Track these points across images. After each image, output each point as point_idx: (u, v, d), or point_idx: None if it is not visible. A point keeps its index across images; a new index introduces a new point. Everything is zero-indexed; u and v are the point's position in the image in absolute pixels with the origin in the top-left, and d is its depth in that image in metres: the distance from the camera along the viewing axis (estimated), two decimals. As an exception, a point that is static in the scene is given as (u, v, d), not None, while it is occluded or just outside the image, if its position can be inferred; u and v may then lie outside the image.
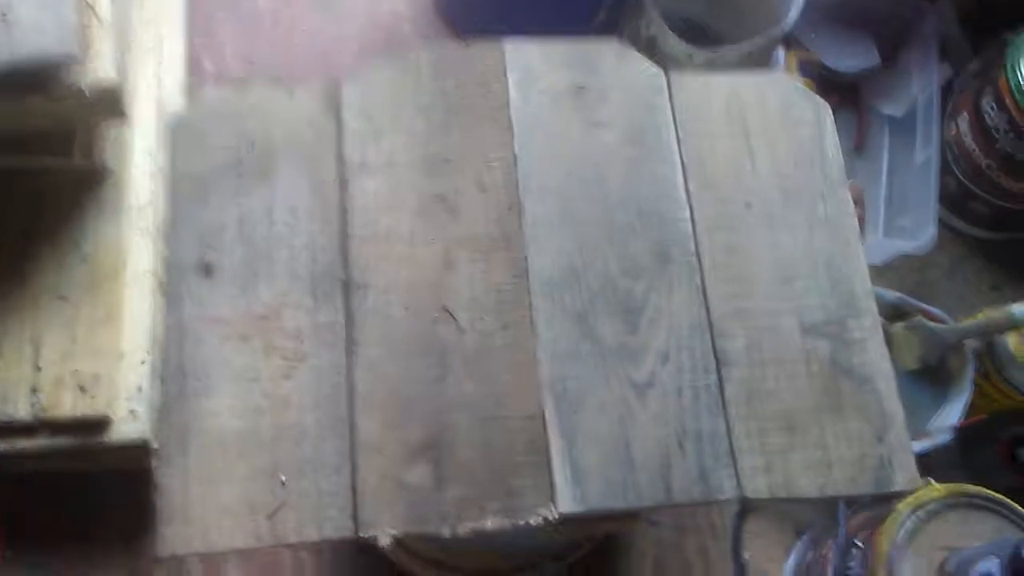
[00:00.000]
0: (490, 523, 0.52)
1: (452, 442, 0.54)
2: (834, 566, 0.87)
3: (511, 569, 0.85)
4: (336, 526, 0.51)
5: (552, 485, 0.53)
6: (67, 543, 0.93)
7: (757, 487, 0.55)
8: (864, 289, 0.60)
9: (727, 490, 0.55)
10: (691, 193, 0.61)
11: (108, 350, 0.85)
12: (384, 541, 0.51)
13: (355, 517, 0.51)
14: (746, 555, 0.99)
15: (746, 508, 1.01)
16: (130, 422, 0.84)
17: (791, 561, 0.98)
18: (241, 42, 1.08)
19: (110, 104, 0.81)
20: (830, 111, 0.64)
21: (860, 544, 0.86)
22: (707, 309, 0.58)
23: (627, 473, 0.54)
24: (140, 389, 0.85)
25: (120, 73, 0.79)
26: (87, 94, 0.76)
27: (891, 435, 0.57)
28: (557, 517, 0.53)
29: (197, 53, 1.04)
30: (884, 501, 0.90)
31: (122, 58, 0.80)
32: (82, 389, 0.83)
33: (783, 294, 0.59)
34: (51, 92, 0.75)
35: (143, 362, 0.86)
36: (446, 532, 0.52)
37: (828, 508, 0.94)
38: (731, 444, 0.56)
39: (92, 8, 0.78)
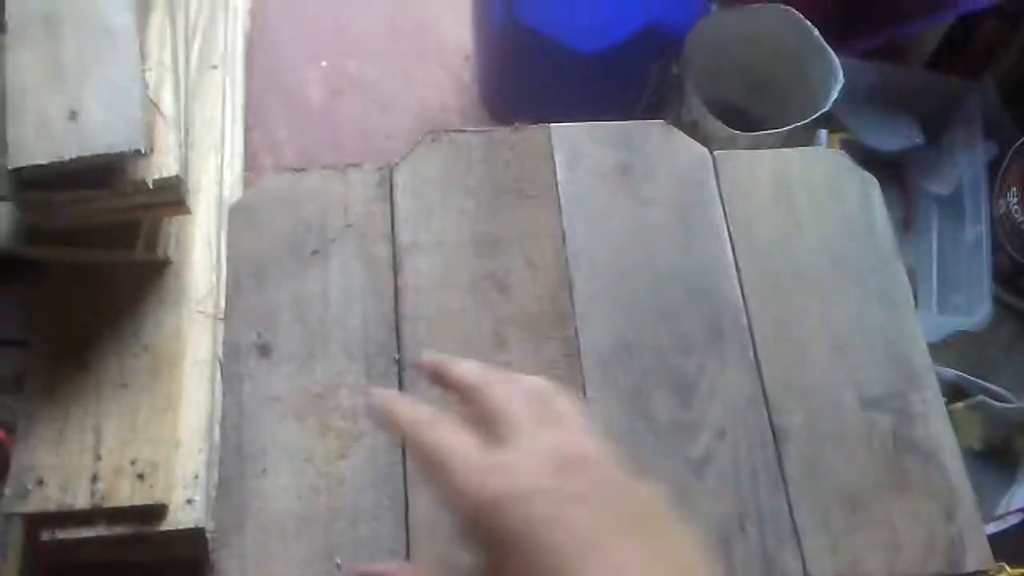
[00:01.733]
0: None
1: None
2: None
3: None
4: (391, 608, 0.50)
5: (610, 566, 0.52)
6: (120, 636, 0.92)
7: (823, 570, 0.53)
8: (923, 363, 0.59)
9: (792, 573, 0.53)
10: (740, 267, 0.61)
11: (166, 438, 0.86)
12: (438, 624, 0.51)
13: (410, 599, 0.51)
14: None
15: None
16: (187, 510, 0.84)
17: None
18: (296, 137, 1.12)
19: (173, 198, 0.84)
20: (877, 184, 0.64)
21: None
22: (762, 383, 0.58)
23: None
24: (197, 477, 0.86)
25: (183, 168, 0.82)
26: (151, 188, 0.80)
27: (961, 513, 0.55)
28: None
29: (255, 148, 1.09)
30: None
31: (185, 154, 0.84)
32: (140, 477, 0.84)
33: (839, 367, 0.58)
34: (117, 187, 0.79)
35: (200, 450, 0.87)
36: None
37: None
38: (794, 524, 0.54)
39: (157, 106, 0.82)
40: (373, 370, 0.56)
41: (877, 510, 0.55)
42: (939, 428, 0.57)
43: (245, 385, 0.55)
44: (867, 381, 0.58)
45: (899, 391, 0.58)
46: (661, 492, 0.39)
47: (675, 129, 0.64)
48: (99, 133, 0.76)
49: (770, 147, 0.96)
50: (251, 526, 0.52)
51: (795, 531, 0.54)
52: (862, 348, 0.59)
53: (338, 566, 0.51)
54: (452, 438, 0.38)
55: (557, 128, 0.64)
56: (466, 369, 0.43)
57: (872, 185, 0.64)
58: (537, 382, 0.42)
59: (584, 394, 0.56)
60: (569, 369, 0.57)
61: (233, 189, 1.00)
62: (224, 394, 0.54)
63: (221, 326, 0.93)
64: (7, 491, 0.83)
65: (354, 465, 0.54)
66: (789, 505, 0.54)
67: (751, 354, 0.58)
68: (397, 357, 0.56)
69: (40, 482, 0.84)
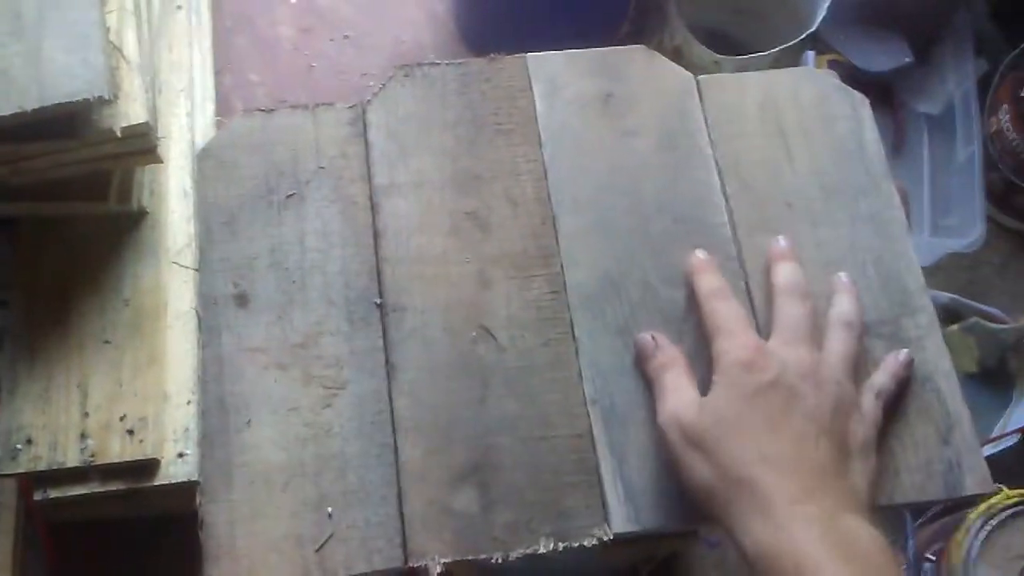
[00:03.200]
0: (542, 546, 0.50)
1: (498, 465, 0.52)
2: (906, 582, 0.84)
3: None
4: (385, 557, 0.50)
5: (604, 505, 0.52)
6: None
7: (820, 497, 0.53)
8: (917, 285, 0.58)
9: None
10: (729, 196, 0.59)
11: (154, 392, 0.85)
12: (435, 570, 0.50)
13: (404, 547, 0.50)
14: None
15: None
16: (178, 463, 0.84)
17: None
18: (268, 78, 1.09)
19: (143, 146, 0.81)
20: (867, 104, 0.62)
21: (931, 557, 0.83)
22: (754, 313, 0.56)
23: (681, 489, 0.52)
24: (187, 430, 0.85)
25: (151, 114, 0.79)
26: (119, 136, 0.77)
27: (957, 436, 0.54)
28: (611, 538, 0.51)
29: (226, 91, 1.06)
30: (953, 511, 0.86)
31: (152, 100, 0.81)
32: (130, 433, 0.83)
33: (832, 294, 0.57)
34: (84, 136, 0.76)
35: (188, 403, 0.86)
36: (498, 557, 0.50)
37: (895, 523, 0.91)
38: (788, 453, 0.53)
39: (120, 51, 0.79)
40: (355, 316, 0.55)
41: (873, 437, 0.54)
42: (934, 352, 0.56)
43: (224, 337, 0.54)
44: (860, 307, 0.57)
45: (893, 316, 0.57)
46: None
47: (657, 54, 0.62)
48: (61, 81, 0.73)
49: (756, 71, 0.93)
50: (238, 479, 0.51)
51: (790, 461, 0.53)
52: (854, 274, 0.57)
53: (329, 515, 0.50)
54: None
55: (534, 57, 0.61)
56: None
57: (862, 105, 0.62)
58: None
59: (572, 332, 0.55)
60: (555, 307, 0.56)
61: (206, 135, 0.96)
62: (203, 347, 0.53)
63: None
64: (-5, 452, 0.83)
65: (340, 414, 0.53)
66: (784, 435, 0.54)
67: (742, 284, 0.57)
68: (378, 302, 0.55)
69: (29, 441, 0.83)
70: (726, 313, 0.52)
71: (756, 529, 0.44)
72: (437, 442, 0.52)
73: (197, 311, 0.83)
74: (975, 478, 0.53)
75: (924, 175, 1.13)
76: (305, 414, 0.52)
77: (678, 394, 0.50)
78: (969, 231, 1.02)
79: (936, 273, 1.07)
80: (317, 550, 0.49)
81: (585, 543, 0.51)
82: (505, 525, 0.51)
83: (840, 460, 0.48)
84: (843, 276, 0.56)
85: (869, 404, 0.52)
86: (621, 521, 0.51)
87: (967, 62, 1.12)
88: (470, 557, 0.50)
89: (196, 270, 0.91)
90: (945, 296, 0.98)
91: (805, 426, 0.47)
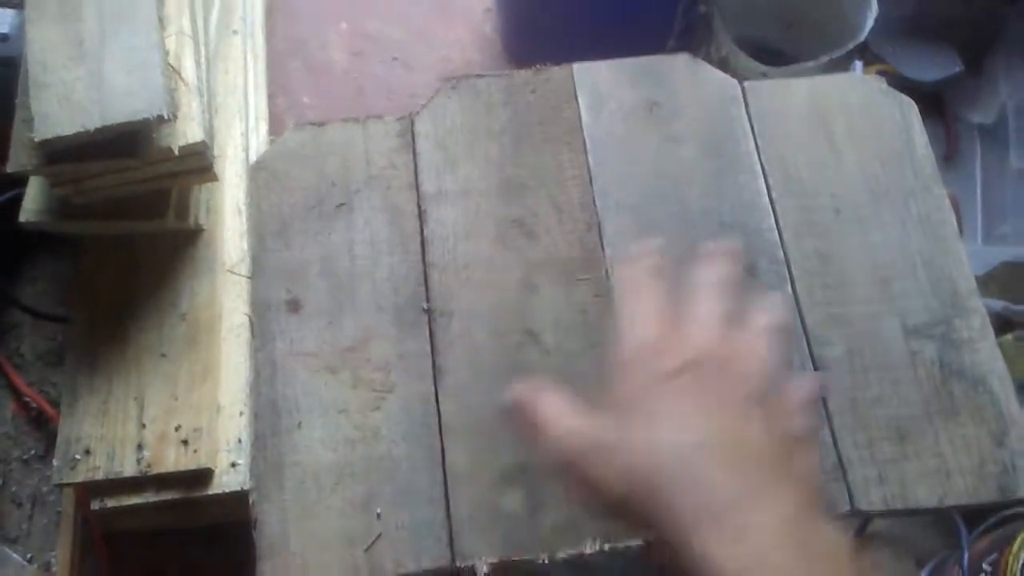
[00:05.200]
0: (588, 547, 0.51)
1: (544, 467, 0.52)
2: (962, 595, 0.82)
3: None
4: (433, 556, 0.50)
5: (651, 505, 0.51)
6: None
7: (871, 500, 0.52)
8: (968, 287, 0.57)
9: (839, 504, 0.52)
10: (775, 200, 0.59)
11: (208, 404, 0.87)
12: (483, 570, 0.50)
13: (452, 547, 0.51)
14: (865, 589, 0.93)
15: (862, 536, 0.96)
16: (231, 473, 0.85)
17: (914, 593, 0.93)
18: (320, 100, 1.11)
19: (200, 164, 0.84)
20: (915, 107, 0.62)
21: (987, 568, 0.81)
22: (801, 317, 0.56)
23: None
24: (239, 440, 0.87)
25: (207, 134, 0.82)
26: (178, 155, 0.80)
27: (1012, 438, 0.53)
28: (655, 537, 0.51)
29: (280, 113, 1.08)
30: (1010, 522, 0.84)
31: (209, 120, 0.84)
32: (185, 443, 0.85)
33: (881, 297, 0.57)
34: (144, 155, 0.79)
35: (241, 414, 0.88)
36: (544, 558, 0.50)
37: (950, 534, 0.89)
38: (839, 456, 0.53)
39: (178, 73, 0.82)
40: (403, 321, 0.55)
41: (925, 439, 0.53)
42: (987, 354, 0.55)
43: (276, 341, 0.55)
44: (910, 309, 0.56)
45: (944, 318, 0.56)
46: None
47: (701, 61, 0.62)
48: (122, 101, 0.76)
49: (803, 81, 0.93)
50: (289, 479, 0.52)
51: (840, 463, 0.53)
52: (904, 276, 0.57)
53: (378, 515, 0.51)
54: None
55: (579, 67, 0.62)
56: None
57: (910, 108, 0.62)
58: None
59: (618, 335, 0.55)
60: (600, 311, 0.56)
61: (259, 154, 0.99)
62: (256, 351, 0.54)
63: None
64: (55, 462, 0.85)
65: (388, 416, 0.53)
66: (833, 437, 0.53)
67: (789, 288, 0.57)
68: (426, 307, 0.56)
69: (87, 452, 0.86)
70: (638, 305, 0.44)
71: (709, 539, 0.36)
72: (484, 444, 0.53)
73: (250, 317, 0.85)
74: (1031, 481, 0.52)
75: (977, 184, 1.12)
76: (354, 416, 0.53)
77: (554, 407, 0.42)
78: (1023, 239, 1.00)
79: (989, 282, 1.05)
80: (366, 549, 0.50)
81: (630, 543, 0.51)
82: (552, 526, 0.51)
83: (782, 451, 0.39)
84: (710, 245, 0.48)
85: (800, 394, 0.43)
86: (668, 522, 0.51)
87: (1019, 70, 1.11)
88: (516, 558, 0.50)
89: (249, 278, 0.94)
90: (999, 304, 0.96)
91: (735, 409, 0.39)
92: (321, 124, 0.60)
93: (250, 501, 0.51)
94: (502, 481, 0.52)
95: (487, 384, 0.54)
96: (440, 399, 0.54)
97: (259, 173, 0.59)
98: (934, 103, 1.16)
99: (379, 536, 0.50)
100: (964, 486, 0.52)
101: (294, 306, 0.56)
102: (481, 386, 0.54)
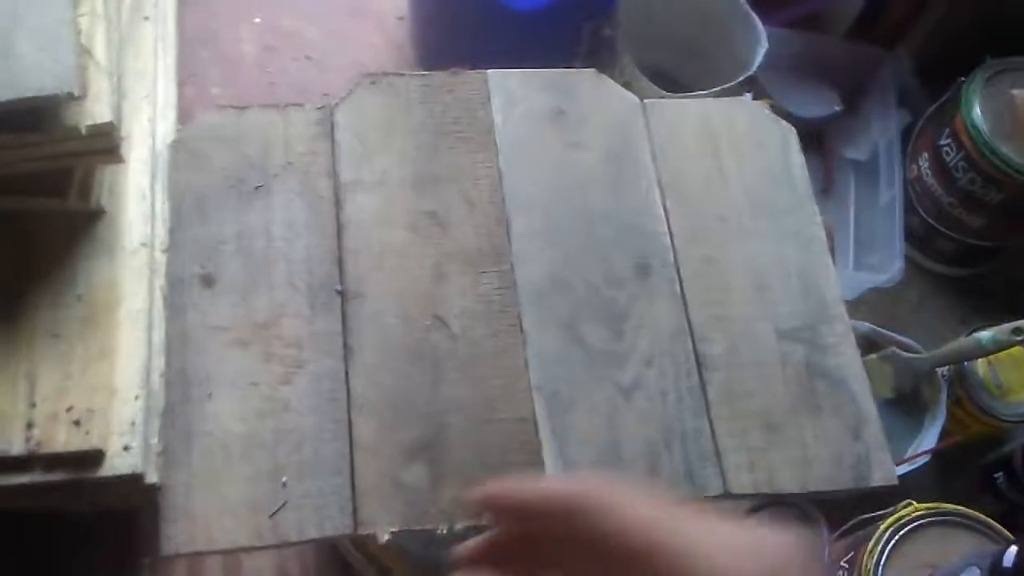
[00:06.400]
0: (485, 519, 0.54)
1: (447, 443, 0.56)
2: (820, 590, 0.88)
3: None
4: (336, 525, 0.53)
5: (544, 483, 0.55)
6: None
7: (742, 483, 0.57)
8: (834, 296, 0.63)
9: (713, 487, 0.57)
10: (668, 209, 0.64)
11: (102, 386, 0.86)
12: (383, 538, 0.53)
13: (355, 515, 0.53)
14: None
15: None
16: (123, 456, 0.84)
17: (778, 589, 0.99)
18: (229, 92, 1.12)
19: (107, 145, 0.83)
20: (795, 133, 0.68)
21: (845, 565, 0.88)
22: (687, 316, 0.61)
23: (616, 471, 0.56)
24: (133, 424, 0.85)
25: (116, 115, 0.82)
26: (84, 133, 0.80)
27: (867, 433, 0.60)
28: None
29: (188, 103, 1.08)
30: (866, 525, 0.92)
31: (118, 102, 0.84)
32: (76, 424, 0.84)
33: (758, 301, 0.62)
34: (50, 132, 0.78)
35: (136, 397, 0.87)
36: (443, 528, 0.53)
37: (814, 535, 0.96)
38: (715, 443, 0.58)
39: (89, 52, 0.81)
40: (316, 301, 0.58)
41: (790, 431, 0.59)
42: (848, 357, 0.62)
43: (189, 314, 0.56)
44: (783, 315, 0.62)
45: (811, 323, 0.62)
46: None
47: (607, 78, 0.67)
48: (31, 75, 0.75)
49: (697, 106, 0.99)
50: (197, 448, 0.53)
51: (716, 450, 0.58)
52: (779, 284, 0.63)
53: (284, 484, 0.53)
54: None
55: (493, 74, 0.66)
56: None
57: (790, 133, 0.68)
58: None
59: (520, 324, 0.59)
60: (505, 301, 0.60)
61: (166, 141, 0.99)
62: (168, 322, 0.56)
63: (156, 277, 0.94)
64: (-62, 439, 0.83)
65: (298, 391, 0.55)
66: (711, 427, 0.58)
67: (677, 288, 0.62)
68: (340, 288, 0.58)
69: (-29, 430, 0.84)
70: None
71: None
72: (390, 420, 0.55)
73: (163, 290, 0.85)
74: (882, 472, 0.59)
75: (850, 216, 1.21)
76: (264, 389, 0.55)
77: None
78: (888, 268, 1.09)
79: (859, 307, 1.14)
80: (271, 516, 0.52)
81: (526, 518, 0.54)
82: (451, 499, 0.54)
83: None
84: None
85: None
86: (559, 499, 0.54)
87: (891, 113, 1.21)
88: (417, 527, 0.53)
89: (153, 269, 0.93)
90: (866, 326, 1.04)
91: None
92: (242, 108, 0.62)
93: (156, 469, 0.52)
94: (406, 455, 0.55)
95: (396, 364, 0.57)
96: (350, 376, 0.56)
97: (178, 150, 0.60)
98: (814, 139, 1.26)
99: (284, 504, 0.52)
100: (823, 474, 0.58)
101: (208, 281, 0.57)
102: (390, 366, 0.57)
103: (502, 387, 0.57)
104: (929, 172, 1.15)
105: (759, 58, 1.07)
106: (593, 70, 0.68)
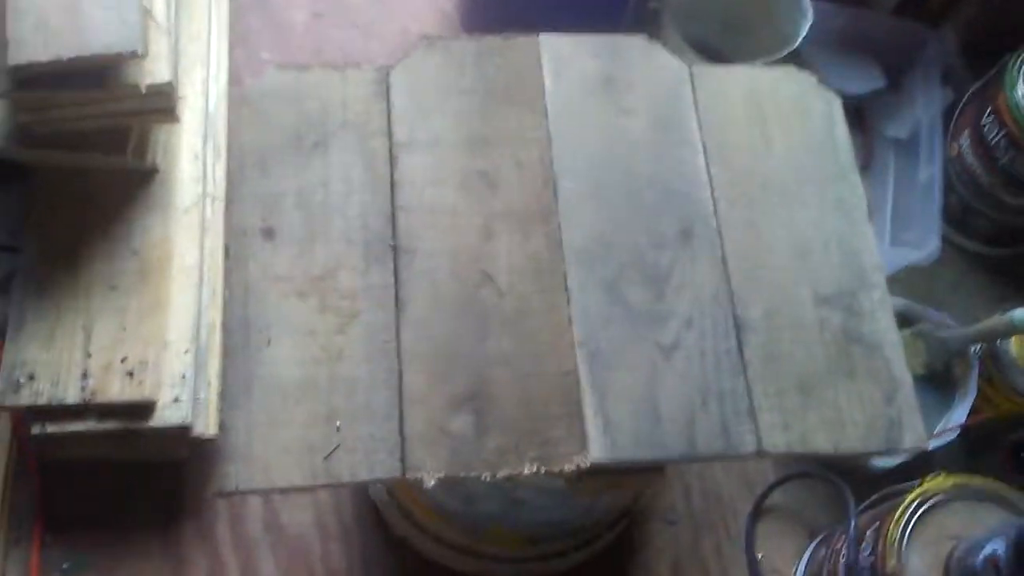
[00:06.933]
0: (527, 469, 0.56)
1: (492, 395, 0.58)
2: (846, 558, 0.90)
3: (537, 556, 0.89)
4: (386, 468, 0.55)
5: (585, 435, 0.57)
6: (104, 530, 0.96)
7: (776, 442, 0.59)
8: (872, 264, 0.65)
9: (748, 444, 0.59)
10: (712, 174, 0.65)
11: (155, 338, 0.89)
12: (429, 483, 0.55)
13: (403, 460, 0.55)
14: (759, 554, 1.02)
15: (759, 512, 1.04)
16: (173, 408, 0.88)
17: (804, 558, 1.01)
18: (278, 57, 1.14)
19: (164, 105, 0.86)
20: (840, 103, 0.69)
21: (871, 536, 0.89)
22: (728, 279, 0.63)
23: (654, 427, 0.58)
24: (184, 377, 0.89)
25: (174, 75, 0.84)
26: (144, 93, 0.82)
27: (899, 398, 0.61)
28: (589, 465, 0.57)
29: (238, 66, 1.11)
30: (891, 498, 0.93)
31: (176, 62, 0.86)
32: (130, 375, 0.88)
33: (798, 267, 0.64)
34: (112, 89, 0.81)
35: (187, 351, 0.91)
36: (487, 476, 0.56)
37: (839, 511, 0.97)
38: (751, 403, 0.60)
39: (150, 12, 0.84)
40: (370, 255, 0.60)
41: (825, 394, 0.60)
42: (884, 324, 0.63)
43: (250, 265, 0.59)
44: (822, 280, 0.64)
45: (850, 290, 0.63)
46: None
47: (656, 43, 0.69)
48: (98, 33, 0.78)
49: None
50: (257, 391, 0.56)
51: (751, 410, 0.59)
52: (819, 251, 0.64)
53: (337, 428, 0.55)
54: None
55: (545, 38, 0.68)
56: None
57: (835, 102, 0.69)
58: None
59: (565, 283, 0.61)
60: (551, 260, 0.61)
61: (218, 103, 1.02)
62: (230, 271, 0.58)
63: (207, 234, 0.97)
64: (-1, 385, 0.86)
65: (352, 340, 0.58)
66: (748, 387, 0.60)
67: (719, 252, 0.63)
68: (393, 244, 0.61)
69: (31, 377, 0.87)
70: None
71: None
72: (439, 371, 0.58)
73: (216, 247, 0.88)
74: (913, 435, 0.60)
75: (888, 192, 1.21)
76: (320, 338, 0.58)
77: None
78: (926, 245, 1.10)
79: (895, 283, 1.14)
80: (325, 458, 0.55)
81: (565, 468, 0.56)
82: (495, 448, 0.56)
83: None
84: None
85: None
86: (599, 450, 0.57)
87: (935, 90, 1.20)
88: (461, 474, 0.56)
89: (204, 228, 0.96)
90: (901, 302, 1.05)
91: None
92: (302, 67, 0.64)
93: (202, 423, 0.54)
94: (453, 405, 0.57)
95: (445, 318, 0.59)
96: (400, 328, 0.58)
97: (241, 108, 0.63)
98: (856, 115, 1.26)
99: (337, 447, 0.55)
100: (856, 436, 0.59)
101: (268, 234, 0.60)
102: (439, 318, 0.59)
103: (546, 342, 0.59)
104: (970, 151, 1.15)
105: (803, 32, 1.07)
106: (643, 36, 0.69)
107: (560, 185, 0.63)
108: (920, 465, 0.96)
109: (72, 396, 0.87)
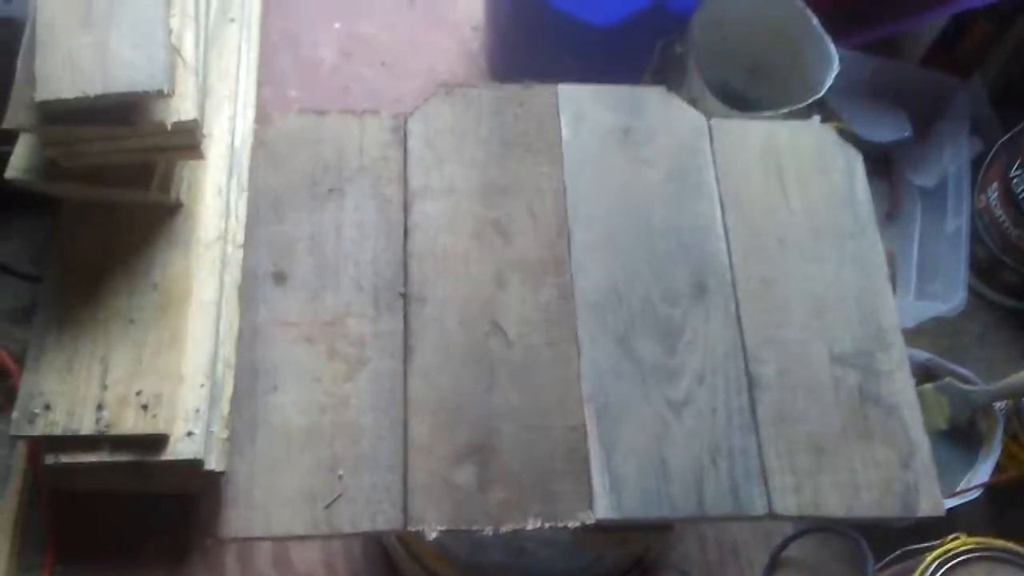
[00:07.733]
0: (530, 524, 0.55)
1: (497, 448, 0.57)
2: (864, 618, 0.88)
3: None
4: (387, 519, 0.55)
5: (591, 492, 0.56)
6: (115, 560, 0.97)
7: (787, 505, 0.58)
8: (891, 323, 0.63)
9: (758, 506, 0.57)
10: (728, 228, 0.65)
11: (171, 372, 0.90)
12: (431, 536, 0.55)
13: (405, 512, 0.55)
14: (776, 612, 0.99)
15: (775, 565, 1.02)
16: (186, 442, 0.88)
17: (821, 616, 0.99)
18: (306, 95, 1.16)
19: (189, 141, 0.88)
20: (861, 159, 0.69)
21: (889, 594, 0.87)
22: (741, 335, 0.62)
23: (662, 484, 0.57)
24: (198, 411, 0.90)
25: (200, 113, 0.85)
26: (169, 130, 0.83)
27: (917, 462, 0.59)
28: (594, 522, 0.56)
29: (266, 103, 1.12)
30: (910, 557, 0.91)
31: (202, 100, 0.87)
32: (144, 408, 0.88)
33: (814, 325, 0.63)
34: (138, 126, 0.82)
35: (202, 386, 0.91)
36: (489, 530, 0.55)
37: (857, 566, 0.95)
38: (762, 463, 0.59)
39: (179, 52, 0.85)
40: (380, 302, 0.60)
41: (840, 455, 0.59)
42: (902, 385, 0.61)
43: (260, 309, 0.59)
44: (838, 338, 0.62)
45: (867, 349, 0.62)
46: None
47: (674, 95, 0.68)
48: (125, 71, 0.79)
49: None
50: (261, 438, 0.56)
51: (763, 470, 0.58)
52: (836, 308, 0.63)
53: (340, 477, 0.55)
54: None
55: (564, 88, 0.68)
56: None
57: (855, 159, 0.68)
58: None
59: (576, 335, 0.60)
60: (563, 311, 0.61)
61: (244, 140, 1.03)
62: (241, 316, 0.58)
63: (227, 269, 0.97)
64: (15, 415, 0.87)
65: (359, 388, 0.58)
66: (759, 446, 0.59)
67: (733, 308, 0.62)
68: (403, 291, 0.60)
69: (47, 407, 0.88)
70: None
71: None
72: (444, 421, 0.57)
73: (235, 284, 0.88)
74: (929, 502, 0.58)
75: (914, 242, 1.20)
76: (327, 385, 0.57)
77: None
78: (951, 297, 1.08)
79: (919, 337, 1.12)
80: (327, 507, 0.54)
81: (569, 524, 0.55)
82: (499, 502, 0.56)
83: None
84: None
85: None
86: (604, 508, 0.56)
87: (963, 140, 1.19)
88: (464, 527, 0.55)
89: (224, 263, 0.97)
90: (924, 355, 1.03)
91: None
92: (321, 112, 0.65)
93: (215, 458, 0.54)
94: (457, 457, 0.56)
95: (453, 367, 0.59)
96: (408, 376, 0.58)
97: (260, 151, 0.63)
98: (883, 163, 1.25)
99: (339, 496, 0.55)
100: (871, 500, 0.58)
101: (280, 278, 0.60)
102: (448, 369, 0.59)
103: (554, 395, 0.59)
104: (998, 202, 1.13)
105: (830, 80, 1.06)
106: (662, 87, 0.69)
107: (574, 236, 0.63)
108: (942, 522, 0.93)
109: (87, 427, 0.87)
